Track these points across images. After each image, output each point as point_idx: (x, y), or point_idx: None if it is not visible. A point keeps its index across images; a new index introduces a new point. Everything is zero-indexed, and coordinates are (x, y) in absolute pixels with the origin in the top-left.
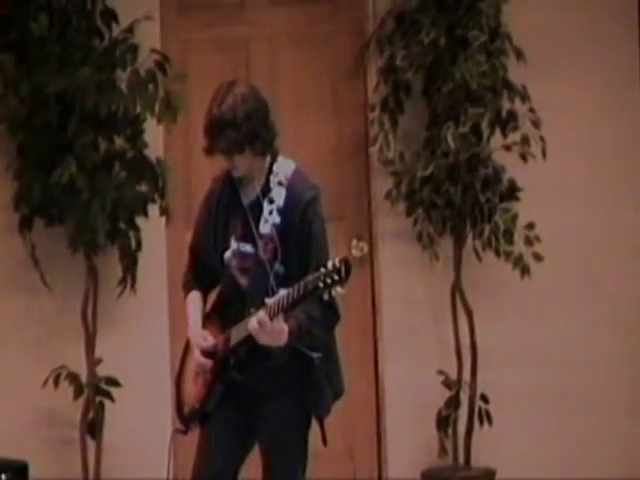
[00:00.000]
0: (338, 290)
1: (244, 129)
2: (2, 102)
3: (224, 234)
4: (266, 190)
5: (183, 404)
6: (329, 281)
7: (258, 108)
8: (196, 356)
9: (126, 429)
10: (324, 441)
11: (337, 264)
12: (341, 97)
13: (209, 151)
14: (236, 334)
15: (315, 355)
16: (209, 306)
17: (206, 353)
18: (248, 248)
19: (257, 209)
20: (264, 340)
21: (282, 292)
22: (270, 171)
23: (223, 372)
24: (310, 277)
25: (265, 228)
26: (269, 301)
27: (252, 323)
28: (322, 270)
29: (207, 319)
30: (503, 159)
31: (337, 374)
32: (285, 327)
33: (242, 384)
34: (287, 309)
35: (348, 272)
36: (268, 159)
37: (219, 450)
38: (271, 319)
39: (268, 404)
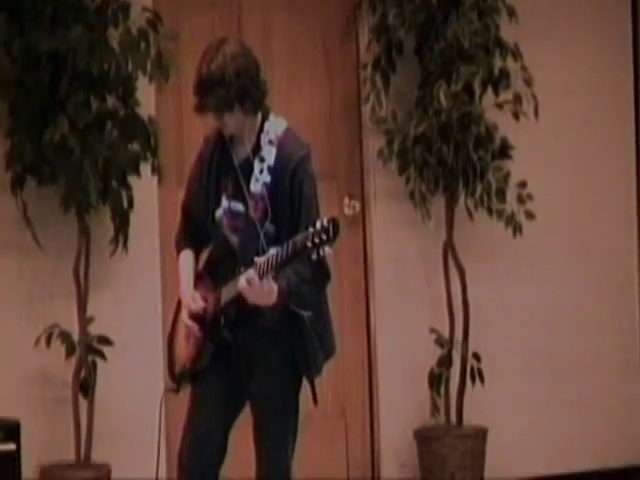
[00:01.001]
0: (327, 250)
1: (233, 87)
2: None
3: (215, 193)
4: (257, 149)
5: (174, 363)
6: (317, 241)
7: (248, 66)
8: (183, 317)
9: (118, 388)
10: (315, 400)
11: (325, 224)
12: (333, 56)
13: (199, 109)
14: (226, 293)
15: (305, 314)
16: (201, 265)
17: (194, 315)
18: (239, 207)
19: (248, 168)
20: (253, 299)
21: (271, 251)
22: (261, 130)
23: (214, 331)
24: (299, 236)
25: (256, 187)
26: (258, 260)
27: (241, 282)
28: (311, 230)
29: (199, 278)
30: (495, 117)
31: (328, 334)
32: (274, 286)
33: (233, 343)
34: (276, 268)
35: (336, 232)
36: (259, 118)
37: (210, 409)
38: (260, 278)
39: (259, 363)
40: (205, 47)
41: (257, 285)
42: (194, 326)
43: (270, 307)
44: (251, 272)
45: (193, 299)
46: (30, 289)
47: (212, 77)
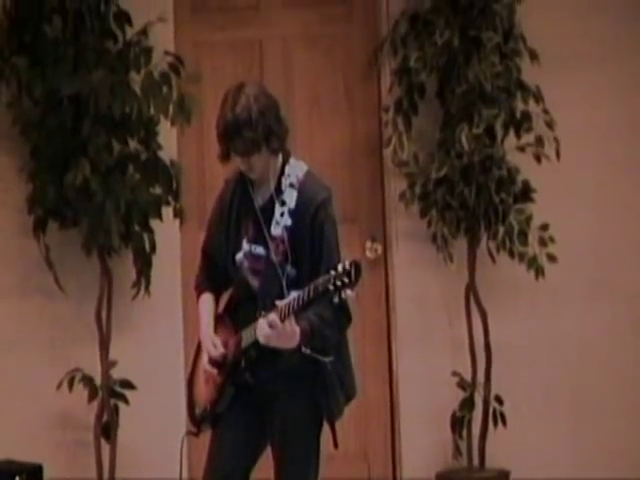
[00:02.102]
0: (348, 293)
1: (260, 127)
2: (16, 104)
3: (236, 236)
4: (278, 192)
5: (195, 406)
6: (339, 283)
7: (270, 105)
8: (204, 363)
9: (140, 431)
10: (335, 443)
11: (347, 267)
12: (355, 98)
13: (225, 157)
14: (247, 336)
15: (327, 359)
16: (221, 307)
17: (213, 361)
18: (260, 250)
19: (269, 211)
20: (275, 342)
21: (293, 294)
22: (282, 173)
23: (234, 374)
24: (320, 279)
25: (276, 230)
26: (280, 303)
27: (262, 325)
28: (332, 273)
29: (219, 320)
30: (517, 160)
31: (349, 376)
32: (297, 329)
33: (253, 386)
34: (298, 311)
35: (358, 275)
36: (280, 161)
37: (230, 452)
38: (282, 321)
39: (279, 406)
40: (225, 93)
41: (279, 328)
42: (214, 371)
43: (292, 350)
44: (272, 315)
45: (214, 344)
46: (52, 333)
47: (238, 120)
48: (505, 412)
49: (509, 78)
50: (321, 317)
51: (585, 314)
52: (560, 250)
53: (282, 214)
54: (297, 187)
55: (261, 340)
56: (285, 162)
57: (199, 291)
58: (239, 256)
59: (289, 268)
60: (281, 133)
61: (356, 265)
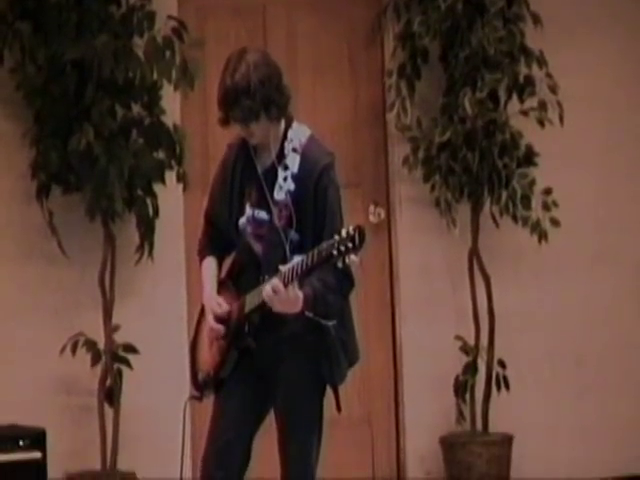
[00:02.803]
0: (352, 258)
1: (259, 96)
2: (19, 70)
3: (239, 201)
4: (281, 157)
5: (198, 371)
6: (343, 249)
7: (271, 73)
8: (209, 321)
9: (144, 396)
10: (338, 408)
11: (351, 232)
12: (358, 63)
13: (224, 122)
14: (250, 301)
15: (330, 323)
16: (224, 272)
17: (219, 319)
18: (263, 215)
19: (272, 176)
20: (278, 307)
21: (296, 259)
22: (285, 137)
23: (237, 339)
24: (324, 244)
25: (279, 195)
26: (283, 268)
27: (266, 290)
28: (336, 237)
29: (222, 285)
30: (520, 125)
31: (352, 341)
32: (300, 294)
33: (256, 351)
34: (301, 276)
35: (362, 240)
36: (282, 125)
37: (233, 417)
38: (285, 286)
39: (282, 371)
40: (226, 59)
41: (282, 293)
42: (221, 328)
43: (295, 315)
44: (276, 280)
45: (218, 303)
46: (55, 297)
47: (237, 87)
48: (508, 377)
49: (512, 43)
50: (324, 282)
51: (588, 279)
52: (563, 215)
53: (285, 178)
54: (300, 152)
55: (267, 301)
56: (288, 126)
57: (202, 256)
58: (242, 221)
59: (292, 233)
60: (281, 102)
61: (360, 230)
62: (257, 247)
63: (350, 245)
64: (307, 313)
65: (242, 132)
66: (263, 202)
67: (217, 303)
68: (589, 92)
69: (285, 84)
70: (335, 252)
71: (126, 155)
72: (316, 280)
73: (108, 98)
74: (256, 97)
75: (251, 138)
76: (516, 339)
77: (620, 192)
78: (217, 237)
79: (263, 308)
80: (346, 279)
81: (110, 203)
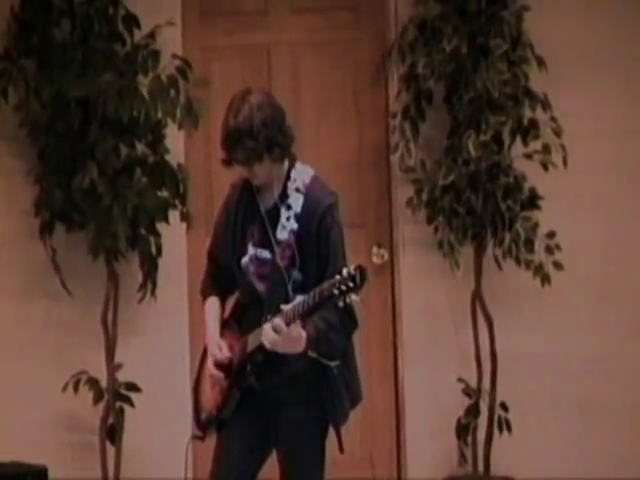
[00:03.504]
0: (353, 297)
1: (262, 138)
2: (24, 107)
3: (242, 240)
4: (284, 196)
5: (201, 410)
6: (344, 288)
7: (274, 115)
8: (209, 367)
9: (145, 435)
10: (341, 449)
11: (352, 271)
12: (363, 104)
13: (227, 162)
14: (253, 340)
15: (333, 364)
16: (227, 312)
17: (219, 365)
18: (265, 254)
19: (275, 215)
20: (281, 347)
21: (298, 299)
22: (288, 177)
23: (240, 379)
24: (325, 284)
25: (282, 234)
26: (285, 307)
27: (266, 329)
28: (337, 277)
29: (225, 325)
30: (524, 167)
31: (355, 381)
32: (303, 333)
33: (259, 391)
34: (303, 316)
35: (363, 279)
36: (286, 165)
37: (236, 458)
38: (287, 325)
39: (285, 411)
40: (230, 99)
41: (284, 332)
42: (220, 375)
43: (298, 355)
44: (278, 320)
45: (219, 347)
46: (58, 336)
47: (240, 128)
48: (510, 419)
49: (517, 85)
50: (327, 322)
51: (591, 322)
52: (566, 258)
53: (288, 218)
54: (303, 191)
55: (267, 345)
56: (291, 167)
57: (205, 295)
58: (245, 260)
59: (295, 272)
60: (284, 143)
61: (361, 269)
62: (260, 287)
63: (351, 284)
64: (310, 353)
65: (245, 173)
66: (266, 242)
67: (218, 347)
68: (593, 135)
69: (289, 125)
70: (336, 291)
71: (130, 194)
72: (319, 319)
73: (112, 136)
74: (259, 138)
75: (254, 179)
76: (519, 382)
77: (623, 235)
78: (220, 276)
79: (265, 348)
80: (349, 319)
81: (113, 241)
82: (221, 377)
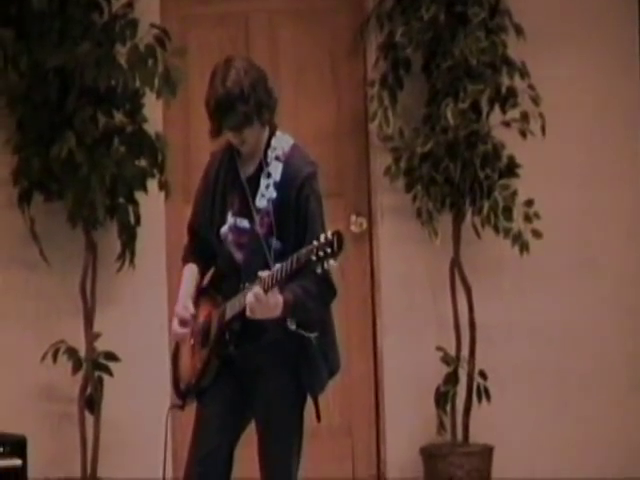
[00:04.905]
0: (331, 263)
1: (252, 100)
2: (1, 77)
3: (222, 209)
4: (264, 164)
5: (180, 379)
6: (322, 254)
7: (260, 77)
8: (173, 326)
9: (125, 404)
10: (318, 418)
11: (329, 237)
12: (341, 73)
13: (216, 132)
14: (231, 308)
15: (312, 335)
16: (207, 281)
17: (183, 322)
18: (244, 223)
19: (255, 184)
20: (259, 314)
21: (277, 266)
22: (268, 145)
23: (218, 347)
24: (303, 250)
25: (262, 202)
26: (263, 274)
27: (248, 297)
28: (315, 243)
29: (204, 293)
30: (502, 136)
31: (333, 351)
32: (280, 299)
33: (238, 359)
34: (281, 282)
35: (341, 245)
36: (266, 134)
37: (215, 426)
38: (265, 292)
39: (263, 380)
40: (212, 69)
41: (263, 300)
42: (184, 332)
43: (276, 323)
44: (256, 287)
45: (184, 307)
46: (37, 305)
47: (230, 94)
48: (489, 388)
49: (495, 53)
50: (305, 289)
51: (570, 291)
52: (545, 226)
53: (267, 186)
54: (283, 160)
55: (247, 312)
56: (271, 135)
57: (184, 262)
58: (224, 229)
59: (274, 241)
60: (271, 104)
61: (338, 235)
62: (238, 255)
63: (329, 250)
64: (290, 325)
65: (234, 139)
66: (245, 210)
67: (183, 306)
68: (571, 103)
69: (272, 87)
70: (314, 257)
71: (108, 163)
72: (297, 287)
73: (90, 106)
74: (250, 101)
75: (243, 145)
76: (497, 350)
77: (602, 203)
78: (200, 245)
79: (243, 315)
80: (327, 286)
81: (92, 211)
82: (185, 335)
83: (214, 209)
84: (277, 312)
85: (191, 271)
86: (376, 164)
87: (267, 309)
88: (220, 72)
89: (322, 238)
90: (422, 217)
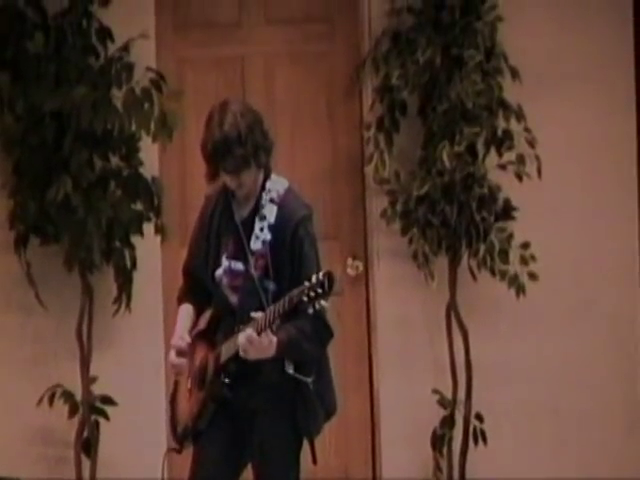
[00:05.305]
0: (322, 303)
1: (249, 143)
2: None
3: (216, 252)
4: (258, 207)
5: (177, 423)
6: (313, 294)
7: (256, 120)
8: (170, 357)
9: (121, 448)
10: (314, 460)
11: (321, 277)
12: (337, 116)
13: (213, 175)
14: (226, 350)
15: (309, 380)
16: (203, 324)
17: (180, 352)
18: (239, 266)
19: (249, 226)
20: (253, 354)
21: (270, 308)
22: (263, 188)
23: (215, 389)
24: (295, 291)
25: (256, 245)
26: (256, 315)
27: (240, 339)
28: (306, 284)
29: (201, 336)
30: (498, 178)
31: (329, 394)
32: (274, 339)
33: (234, 402)
34: (273, 323)
35: (331, 285)
36: (261, 177)
37: (212, 469)
38: (259, 334)
39: (259, 422)
40: (208, 113)
41: (256, 341)
42: (181, 363)
43: (270, 364)
44: (249, 329)
45: (180, 337)
46: (33, 349)
47: (227, 137)
48: (486, 430)
49: (491, 96)
50: (300, 329)
51: (566, 333)
52: (541, 269)
53: (262, 229)
54: (277, 202)
55: (240, 353)
56: (266, 177)
57: (179, 302)
58: (218, 272)
59: (269, 283)
60: (267, 147)
61: (329, 276)
62: (233, 298)
63: (320, 291)
64: (287, 368)
65: (231, 183)
66: (240, 253)
67: (180, 337)
68: (567, 146)
69: (268, 129)
70: (305, 298)
71: (104, 206)
72: (292, 327)
73: (86, 149)
74: (247, 144)
75: (240, 188)
76: (494, 392)
77: (598, 246)
78: (195, 287)
79: (238, 357)
80: (323, 327)
81: (88, 254)
82: (183, 365)
83: (209, 251)
84: (271, 352)
85: (187, 310)
86: (372, 207)
87: (260, 350)
88: (217, 115)
89: (314, 279)
90: (418, 260)
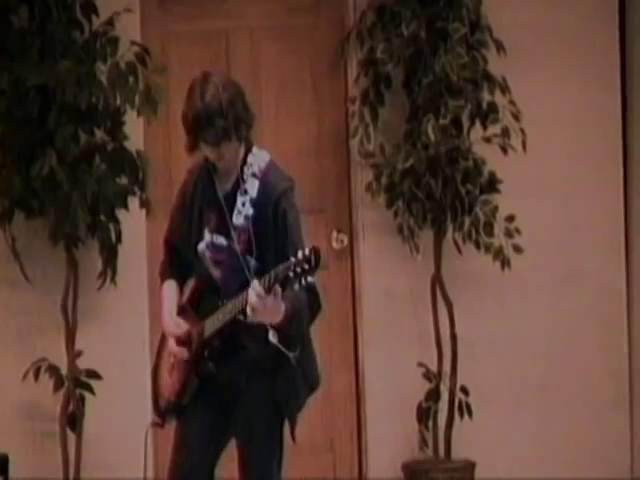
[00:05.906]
0: (309, 279)
1: (230, 115)
2: None
3: (199, 225)
4: (240, 181)
5: (159, 397)
6: (299, 270)
7: (237, 92)
8: (171, 346)
9: (106, 421)
10: (293, 439)
11: (307, 253)
12: (321, 89)
13: (193, 147)
14: (210, 325)
15: (292, 355)
16: (185, 298)
17: (180, 341)
18: (222, 240)
19: (232, 200)
20: (260, 315)
21: (253, 282)
22: (244, 162)
23: (198, 364)
24: (280, 267)
25: (238, 219)
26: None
27: (251, 297)
28: (292, 259)
29: (183, 311)
30: (483, 151)
31: (312, 368)
32: (282, 305)
33: (217, 377)
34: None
35: (318, 261)
36: (242, 150)
37: (195, 445)
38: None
39: (242, 398)
40: (190, 84)
41: (269, 300)
42: (183, 351)
43: (255, 340)
44: (258, 286)
45: (176, 324)
46: (18, 323)
47: (209, 109)
48: (471, 403)
49: (475, 69)
50: (299, 299)
51: (551, 305)
52: (526, 241)
53: (244, 203)
54: (259, 176)
55: (248, 311)
56: (248, 151)
57: (162, 278)
58: (201, 246)
59: (251, 258)
60: (248, 120)
61: (316, 251)
62: (216, 273)
63: (306, 267)
64: (271, 337)
65: (212, 155)
66: (222, 227)
67: (176, 325)
68: (552, 119)
69: (249, 102)
70: (291, 274)
71: (89, 181)
72: (292, 296)
73: (71, 123)
74: (228, 116)
75: (220, 160)
76: (479, 365)
77: (582, 218)
78: (177, 261)
79: (223, 332)
80: (315, 301)
81: (73, 228)
82: (184, 354)
83: (191, 225)
84: (278, 317)
85: (172, 288)
86: (357, 180)
87: (268, 311)
88: (198, 87)
89: (299, 254)
90: (403, 233)
